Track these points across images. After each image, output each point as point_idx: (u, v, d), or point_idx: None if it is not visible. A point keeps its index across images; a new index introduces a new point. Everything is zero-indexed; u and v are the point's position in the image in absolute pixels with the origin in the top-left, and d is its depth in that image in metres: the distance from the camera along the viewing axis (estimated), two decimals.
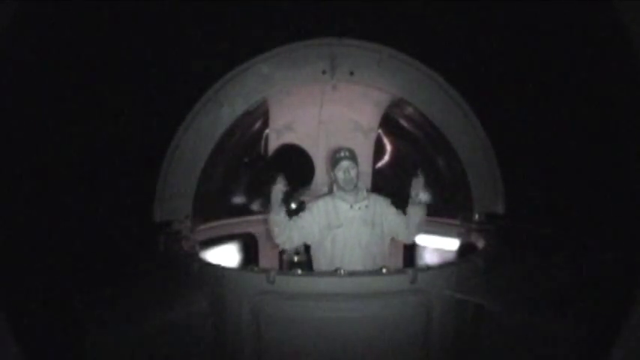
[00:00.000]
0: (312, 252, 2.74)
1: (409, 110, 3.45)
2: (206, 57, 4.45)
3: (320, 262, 2.67)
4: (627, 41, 1.56)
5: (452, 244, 3.47)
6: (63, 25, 3.93)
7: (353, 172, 2.59)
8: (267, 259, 3.90)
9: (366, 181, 4.08)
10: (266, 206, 3.94)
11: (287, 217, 2.54)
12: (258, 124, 3.79)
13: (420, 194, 2.57)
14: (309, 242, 2.67)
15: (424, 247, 3.76)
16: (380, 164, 4.19)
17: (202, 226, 3.32)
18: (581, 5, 4.09)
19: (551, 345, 1.95)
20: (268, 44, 3.04)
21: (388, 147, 4.12)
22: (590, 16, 3.89)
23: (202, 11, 4.77)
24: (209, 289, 2.25)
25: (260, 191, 3.90)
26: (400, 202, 2.71)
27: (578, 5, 4.13)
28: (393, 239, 2.74)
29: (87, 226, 4.03)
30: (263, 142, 3.98)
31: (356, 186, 2.64)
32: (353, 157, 2.63)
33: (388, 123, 3.91)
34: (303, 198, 3.85)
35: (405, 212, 2.66)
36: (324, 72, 3.05)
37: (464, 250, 3.23)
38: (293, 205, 3.79)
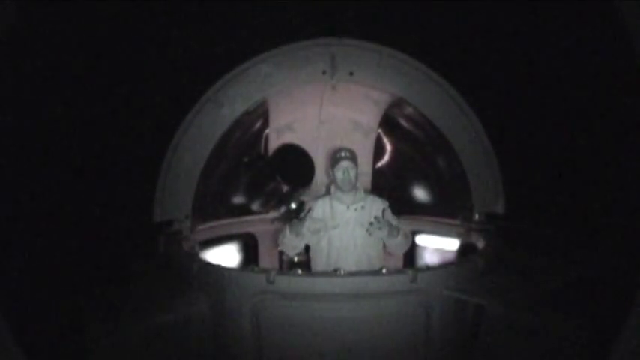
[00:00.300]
0: (311, 252, 2.75)
1: (409, 110, 3.45)
2: (206, 57, 4.45)
3: (317, 262, 2.68)
4: (628, 42, 1.56)
5: (452, 244, 3.47)
6: (62, 25, 3.93)
7: (352, 173, 2.59)
8: (267, 259, 3.90)
9: (366, 181, 4.08)
10: (266, 206, 3.96)
11: (304, 238, 2.54)
12: (258, 124, 3.79)
13: (386, 231, 2.46)
14: (308, 243, 2.68)
15: (424, 247, 3.76)
16: (380, 164, 4.19)
17: (202, 226, 3.32)
18: (581, 5, 4.09)
19: (551, 345, 1.95)
20: (268, 44, 3.03)
21: (388, 147, 4.12)
22: (591, 16, 3.90)
23: (202, 11, 4.77)
24: (209, 289, 2.25)
25: (260, 191, 3.90)
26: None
27: (578, 5, 4.13)
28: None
29: (87, 226, 4.03)
30: (263, 142, 3.98)
31: (354, 187, 2.65)
32: (353, 158, 2.63)
33: (388, 123, 3.91)
34: (303, 198, 3.85)
35: (400, 214, 2.66)
36: (324, 72, 3.05)
37: (464, 250, 3.23)
38: (293, 205, 3.79)
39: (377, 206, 2.68)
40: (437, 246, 3.67)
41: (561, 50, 4.59)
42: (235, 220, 3.80)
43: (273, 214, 3.97)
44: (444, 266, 2.60)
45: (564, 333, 1.93)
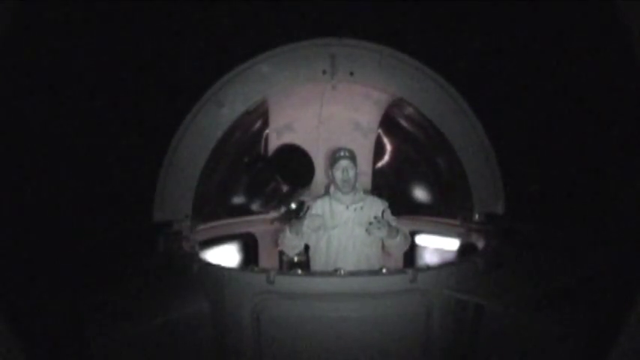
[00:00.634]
0: (310, 253, 2.75)
1: (409, 110, 3.45)
2: (206, 57, 4.45)
3: (316, 262, 2.68)
4: (627, 41, 1.56)
5: (452, 244, 3.47)
6: (62, 25, 3.93)
7: (351, 173, 2.59)
8: (267, 259, 3.90)
9: (366, 181, 4.08)
10: (266, 206, 3.96)
11: (304, 237, 2.55)
12: (258, 124, 3.79)
13: (386, 231, 2.46)
14: (308, 243, 2.69)
15: (424, 247, 3.77)
16: (380, 164, 4.19)
17: (202, 226, 3.33)
18: (581, 5, 4.09)
19: (551, 345, 1.95)
20: (268, 44, 3.03)
21: (388, 147, 4.12)
22: (591, 16, 3.89)
23: (202, 11, 4.77)
24: (209, 289, 2.25)
25: (260, 191, 3.90)
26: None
27: (578, 5, 4.13)
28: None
29: (87, 226, 4.03)
30: (263, 142, 3.98)
31: (353, 187, 2.65)
32: (352, 157, 2.63)
33: (388, 123, 3.91)
34: (303, 198, 3.85)
35: (400, 214, 2.67)
36: (324, 72, 3.05)
37: (464, 250, 3.23)
38: (293, 205, 3.79)
39: (376, 206, 2.68)
40: (437, 246, 3.67)
41: (561, 50, 4.59)
42: (235, 220, 3.80)
43: (273, 214, 3.97)
44: (444, 266, 2.60)
45: (564, 333, 1.93)
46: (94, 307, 2.07)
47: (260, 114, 3.61)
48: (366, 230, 2.50)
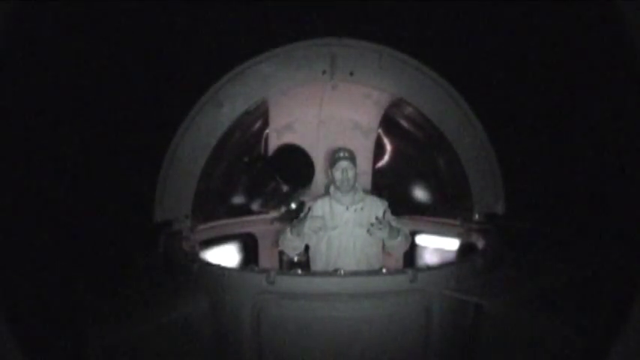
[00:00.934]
0: (310, 253, 2.75)
1: (409, 110, 3.45)
2: (206, 57, 4.45)
3: (316, 263, 2.68)
4: (627, 41, 1.56)
5: (452, 244, 3.47)
6: (62, 25, 3.93)
7: (351, 173, 2.59)
8: (267, 259, 3.90)
9: (366, 181, 4.08)
10: (266, 206, 3.96)
11: (305, 238, 2.55)
12: (258, 124, 3.79)
13: (387, 232, 2.46)
14: (308, 243, 2.69)
15: (424, 247, 3.76)
16: (380, 164, 4.19)
17: (202, 226, 3.32)
18: (581, 5, 4.09)
19: (550, 345, 1.95)
20: (268, 44, 3.03)
21: (388, 147, 4.12)
22: (591, 16, 3.89)
23: (202, 11, 4.77)
24: (209, 289, 2.25)
25: (260, 191, 3.90)
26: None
27: (578, 5, 4.13)
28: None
29: (87, 225, 4.03)
30: (263, 142, 3.98)
31: (353, 187, 2.65)
32: (352, 158, 2.63)
33: (388, 123, 3.91)
34: (303, 198, 3.85)
35: (400, 214, 2.67)
36: (324, 72, 3.05)
37: (464, 250, 3.23)
38: (293, 205, 3.79)
39: (376, 207, 2.68)
40: (437, 246, 3.66)
41: (562, 50, 4.59)
42: (235, 220, 3.80)
43: (273, 214, 3.97)
44: (444, 266, 2.60)
45: (564, 333, 1.93)
46: (94, 307, 2.07)
47: (260, 114, 3.61)
48: (368, 231, 2.50)
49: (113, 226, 4.04)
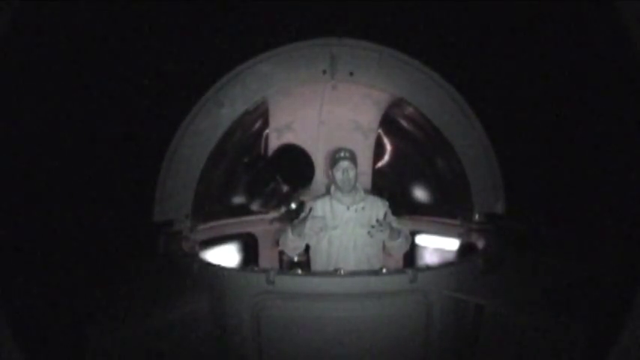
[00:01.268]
0: (311, 253, 2.75)
1: (409, 110, 3.45)
2: (206, 57, 4.45)
3: (317, 263, 2.68)
4: (627, 41, 1.56)
5: (452, 244, 3.47)
6: (63, 24, 3.93)
7: (352, 173, 2.59)
8: (267, 259, 3.90)
9: (366, 181, 4.08)
10: (266, 206, 3.96)
11: (305, 238, 2.55)
12: (258, 124, 3.79)
13: (388, 233, 2.46)
14: (309, 244, 2.69)
15: (424, 247, 3.76)
16: (380, 164, 4.19)
17: (202, 226, 3.33)
18: (581, 5, 4.09)
19: (551, 345, 1.95)
20: (268, 44, 3.03)
21: (388, 147, 4.12)
22: (591, 16, 3.89)
23: (202, 11, 4.77)
24: (209, 289, 2.25)
25: (260, 191, 3.90)
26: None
27: (578, 5, 4.13)
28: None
29: (87, 225, 4.03)
30: (263, 142, 3.98)
31: (354, 187, 2.65)
32: (353, 158, 2.63)
33: (388, 123, 3.91)
34: (303, 198, 3.85)
35: (400, 214, 2.66)
36: (324, 72, 3.05)
37: (464, 250, 3.23)
38: (293, 205, 3.79)
39: (377, 207, 2.68)
40: (437, 246, 3.67)
41: (561, 50, 4.59)
42: (235, 220, 3.80)
43: (273, 214, 3.97)
44: (444, 266, 2.60)
45: (564, 333, 1.93)
46: (94, 307, 2.07)
47: (260, 114, 3.61)
48: (368, 233, 2.49)
49: (113, 226, 4.04)
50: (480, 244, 2.98)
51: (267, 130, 3.91)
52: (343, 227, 2.60)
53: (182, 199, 3.01)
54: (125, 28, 4.43)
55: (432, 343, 2.18)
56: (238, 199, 3.90)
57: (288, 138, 3.99)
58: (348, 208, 2.62)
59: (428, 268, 2.40)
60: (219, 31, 4.79)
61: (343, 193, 2.64)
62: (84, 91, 4.33)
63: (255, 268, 2.29)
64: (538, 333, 1.99)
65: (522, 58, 4.83)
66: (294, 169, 3.86)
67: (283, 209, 3.92)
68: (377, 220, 2.46)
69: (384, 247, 2.71)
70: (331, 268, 2.46)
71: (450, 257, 3.41)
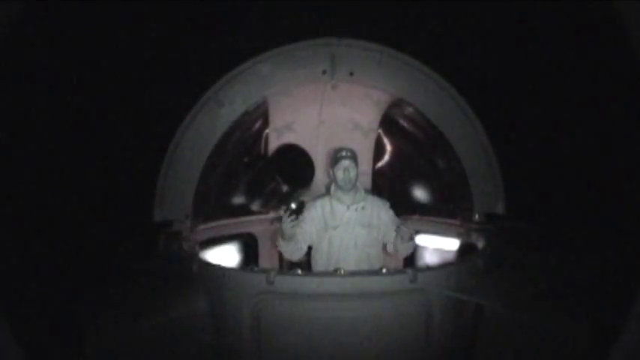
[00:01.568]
0: (312, 253, 2.74)
1: (409, 110, 3.44)
2: (206, 57, 4.45)
3: (317, 262, 2.68)
4: (627, 41, 1.56)
5: (452, 244, 3.47)
6: (63, 25, 3.93)
7: (353, 173, 2.59)
8: (267, 259, 3.90)
9: (366, 181, 4.07)
10: (266, 206, 3.96)
11: (298, 241, 2.55)
12: (258, 124, 3.79)
13: (407, 237, 2.48)
14: (310, 244, 2.68)
15: (424, 247, 3.76)
16: (380, 164, 4.19)
17: (202, 226, 3.32)
18: (581, 5, 4.09)
19: (551, 345, 1.95)
20: (268, 44, 3.03)
21: (388, 147, 4.12)
22: (591, 16, 3.89)
23: (202, 11, 4.77)
24: (209, 289, 2.25)
25: (260, 191, 3.90)
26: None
27: (578, 5, 4.13)
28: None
29: (87, 225, 4.03)
30: (263, 142, 3.98)
31: (354, 186, 2.65)
32: (354, 157, 2.63)
33: (388, 123, 3.90)
34: (303, 198, 3.85)
35: (400, 214, 2.67)
36: (324, 72, 3.05)
37: (464, 250, 3.22)
38: (293, 205, 3.79)
39: (377, 206, 2.68)
40: (437, 246, 3.66)
41: (561, 50, 4.59)
42: (235, 220, 3.80)
43: (273, 214, 3.97)
44: (444, 266, 2.60)
45: (564, 333, 1.93)
46: (94, 307, 2.07)
47: (260, 114, 3.61)
48: (396, 235, 2.50)
49: (113, 226, 4.04)
50: (480, 244, 2.97)
51: (267, 130, 3.90)
52: (344, 227, 2.60)
53: (182, 199, 3.00)
54: (125, 28, 4.43)
55: (432, 343, 2.18)
56: (238, 199, 3.90)
57: (288, 138, 3.99)
58: (348, 207, 2.62)
59: (428, 268, 2.40)
60: (219, 31, 4.79)
61: (344, 192, 2.63)
62: (84, 92, 4.33)
63: (255, 268, 2.29)
64: (538, 333, 1.99)
65: (522, 58, 4.83)
66: (294, 169, 3.86)
67: (283, 209, 3.92)
68: (400, 227, 2.46)
69: (384, 248, 2.71)
70: (331, 268, 2.46)
71: (450, 257, 3.41)
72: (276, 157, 3.90)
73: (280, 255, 3.93)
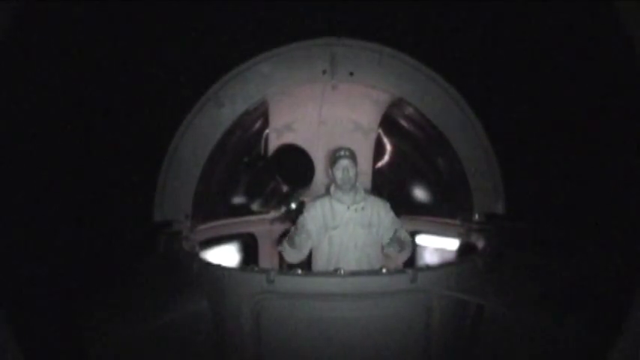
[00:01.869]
0: (312, 252, 2.75)
1: (409, 110, 3.45)
2: (206, 57, 4.45)
3: (317, 263, 2.69)
4: (627, 41, 1.56)
5: (452, 244, 3.47)
6: (63, 25, 3.93)
7: (352, 172, 2.59)
8: (267, 259, 3.90)
9: (366, 181, 4.08)
10: (266, 206, 3.96)
11: (303, 247, 2.59)
12: (258, 124, 3.79)
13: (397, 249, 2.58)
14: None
15: (424, 247, 3.76)
16: (380, 164, 4.19)
17: (202, 226, 3.33)
18: (581, 5, 4.09)
19: (551, 345, 1.95)
20: (268, 44, 3.03)
21: (388, 147, 4.12)
22: (591, 16, 3.89)
23: (202, 11, 4.77)
24: (209, 289, 2.25)
25: (260, 191, 3.90)
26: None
27: (578, 5, 4.13)
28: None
29: (87, 226, 4.03)
30: (263, 142, 3.98)
31: (354, 186, 2.65)
32: (353, 157, 2.63)
33: (388, 123, 3.91)
34: (303, 198, 3.85)
35: (400, 214, 2.70)
36: (324, 72, 3.05)
37: (464, 250, 3.23)
38: (293, 205, 3.79)
39: (377, 207, 2.68)
40: (437, 246, 3.66)
41: (561, 50, 4.59)
42: (235, 220, 3.80)
43: (273, 214, 3.97)
44: (444, 266, 2.60)
45: (564, 333, 1.93)
46: (95, 307, 2.07)
47: (260, 114, 3.61)
48: (383, 249, 2.58)
49: (113, 226, 4.04)
50: (480, 244, 2.97)
51: (267, 130, 3.91)
52: (343, 227, 2.60)
53: (182, 199, 3.01)
54: (125, 28, 4.43)
55: (432, 343, 2.18)
56: (238, 199, 3.90)
57: (288, 138, 3.99)
58: (348, 208, 2.62)
59: (428, 268, 2.40)
60: (219, 31, 4.79)
61: (343, 192, 2.64)
62: (84, 92, 4.33)
63: (255, 268, 2.29)
64: (538, 333, 1.98)
65: (522, 58, 4.83)
66: (294, 169, 3.86)
67: (283, 209, 3.92)
68: (390, 239, 2.54)
69: (383, 249, 2.72)
70: (331, 268, 2.46)
71: (450, 257, 3.41)
72: (276, 157, 3.89)
73: (280, 255, 3.94)
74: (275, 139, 3.97)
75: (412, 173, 3.97)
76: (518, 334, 2.05)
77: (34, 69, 3.79)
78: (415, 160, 3.88)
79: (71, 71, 4.19)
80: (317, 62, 3.03)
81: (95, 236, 3.89)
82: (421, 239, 3.76)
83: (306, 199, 3.65)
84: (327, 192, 2.78)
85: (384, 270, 2.19)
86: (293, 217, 3.45)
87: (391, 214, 2.70)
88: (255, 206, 3.94)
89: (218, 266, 2.37)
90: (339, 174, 2.60)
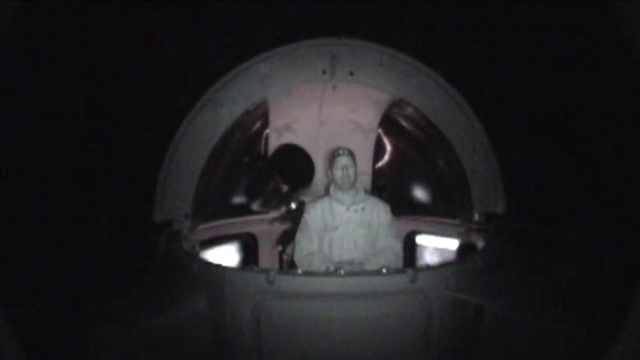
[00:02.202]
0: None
1: (409, 110, 3.45)
2: (206, 57, 4.45)
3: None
4: (627, 41, 1.56)
5: (452, 244, 3.47)
6: (63, 25, 3.93)
7: (351, 171, 2.59)
8: (267, 259, 3.90)
9: (366, 181, 4.08)
10: (266, 206, 3.96)
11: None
12: (258, 124, 3.79)
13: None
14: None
15: (424, 247, 3.76)
16: (380, 164, 4.19)
17: (202, 226, 3.33)
18: (581, 5, 4.09)
19: (551, 345, 1.95)
20: (268, 44, 3.03)
21: (388, 147, 4.12)
22: (591, 16, 3.89)
23: (202, 11, 4.77)
24: (209, 289, 2.25)
25: (260, 191, 3.90)
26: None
27: (578, 5, 4.13)
28: None
29: (87, 225, 4.03)
30: (263, 142, 3.98)
31: (353, 186, 2.65)
32: (351, 156, 2.63)
33: (388, 123, 3.91)
34: (303, 198, 3.85)
35: (400, 214, 2.71)
36: (324, 72, 3.05)
37: (464, 250, 3.23)
38: (293, 205, 3.79)
39: (377, 208, 2.68)
40: (437, 246, 3.67)
41: (561, 50, 4.59)
42: (235, 220, 3.80)
43: (273, 214, 3.97)
44: (444, 266, 2.60)
45: (564, 333, 1.93)
46: (95, 307, 2.07)
47: (260, 114, 3.61)
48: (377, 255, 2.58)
49: (113, 226, 4.04)
50: (480, 244, 2.98)
51: (267, 130, 3.91)
52: (343, 227, 2.60)
53: (182, 199, 3.01)
54: (125, 27, 4.43)
55: (432, 343, 2.18)
56: (238, 199, 3.90)
57: (288, 138, 3.99)
58: (347, 208, 2.62)
59: (428, 268, 2.40)
60: (219, 31, 4.79)
61: (343, 192, 2.64)
62: (84, 92, 4.33)
63: (255, 268, 2.29)
64: (538, 333, 1.98)
65: (522, 58, 4.83)
66: (294, 169, 3.86)
67: (283, 209, 3.92)
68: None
69: None
70: (332, 269, 2.46)
71: (450, 257, 3.41)
72: (276, 157, 3.90)
73: (280, 255, 3.94)
74: (275, 139, 3.97)
75: (412, 173, 3.97)
76: (518, 334, 2.05)
77: (34, 69, 3.79)
78: (415, 160, 3.88)
79: (71, 71, 4.19)
80: (317, 62, 3.03)
81: (95, 236, 3.89)
82: (421, 239, 3.76)
83: (306, 199, 3.66)
84: (327, 193, 2.78)
85: (384, 270, 2.19)
86: (293, 217, 3.46)
87: (389, 217, 2.69)
88: (255, 206, 3.94)
89: (218, 266, 2.38)
90: (338, 173, 2.60)
